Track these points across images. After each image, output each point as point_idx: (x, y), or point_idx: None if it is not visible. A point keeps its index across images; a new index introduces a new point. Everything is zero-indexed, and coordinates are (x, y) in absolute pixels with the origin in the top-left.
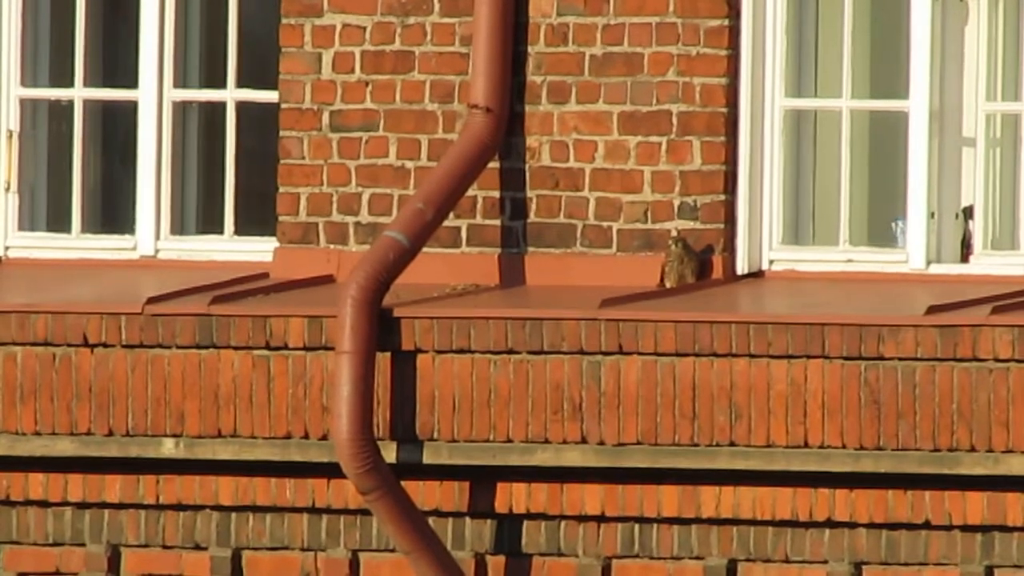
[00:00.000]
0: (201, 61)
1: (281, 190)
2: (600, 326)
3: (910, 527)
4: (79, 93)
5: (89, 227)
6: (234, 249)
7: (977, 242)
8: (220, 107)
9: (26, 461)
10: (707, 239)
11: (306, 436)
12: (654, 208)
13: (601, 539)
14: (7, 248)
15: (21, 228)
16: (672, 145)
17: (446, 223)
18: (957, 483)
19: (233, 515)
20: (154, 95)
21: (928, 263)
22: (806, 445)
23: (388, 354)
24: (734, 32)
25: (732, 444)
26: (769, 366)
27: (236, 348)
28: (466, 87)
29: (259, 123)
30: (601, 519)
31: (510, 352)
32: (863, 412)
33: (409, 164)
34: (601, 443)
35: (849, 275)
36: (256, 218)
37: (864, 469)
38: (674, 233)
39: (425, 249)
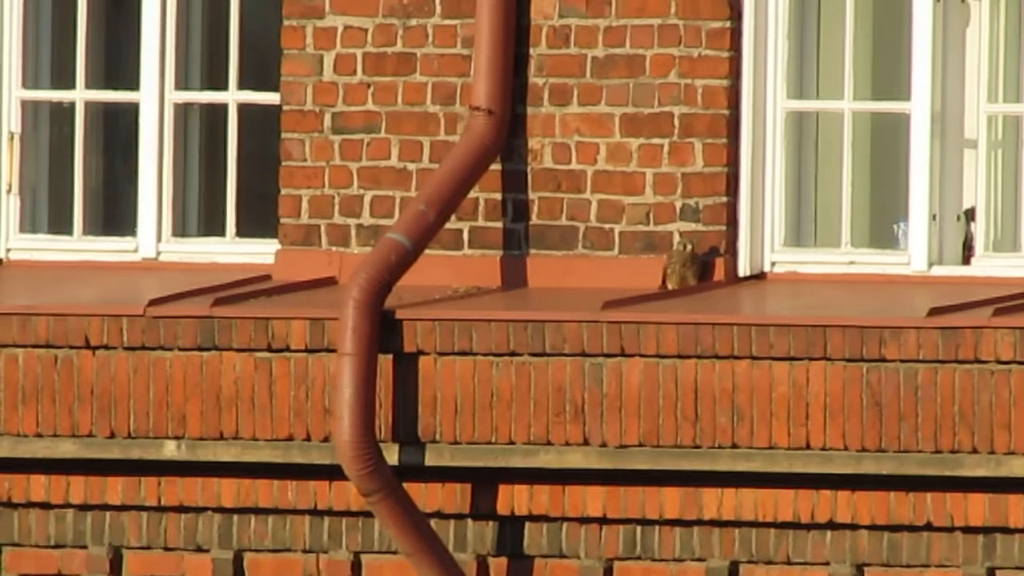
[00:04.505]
0: (202, 63)
1: (283, 192)
2: (602, 328)
3: (912, 529)
4: (80, 95)
5: (91, 229)
6: (236, 251)
7: (979, 244)
8: (222, 109)
9: (28, 463)
10: (709, 241)
11: (308, 438)
12: (656, 210)
13: (603, 541)
14: (9, 250)
15: (23, 230)
16: (674, 147)
17: (448, 225)
18: (959, 485)
19: (235, 517)
20: (155, 97)
21: (930, 265)
22: (808, 447)
23: (390, 356)
24: (736, 34)
25: (734, 446)
26: (771, 368)
27: (238, 350)
28: (468, 89)
29: (261, 125)
30: (603, 521)
31: (512, 354)
32: (865, 414)
33: (411, 166)
34: (603, 445)
35: (851, 277)
36: (258, 220)
37: (866, 471)
38: (677, 239)
39: (427, 251)
